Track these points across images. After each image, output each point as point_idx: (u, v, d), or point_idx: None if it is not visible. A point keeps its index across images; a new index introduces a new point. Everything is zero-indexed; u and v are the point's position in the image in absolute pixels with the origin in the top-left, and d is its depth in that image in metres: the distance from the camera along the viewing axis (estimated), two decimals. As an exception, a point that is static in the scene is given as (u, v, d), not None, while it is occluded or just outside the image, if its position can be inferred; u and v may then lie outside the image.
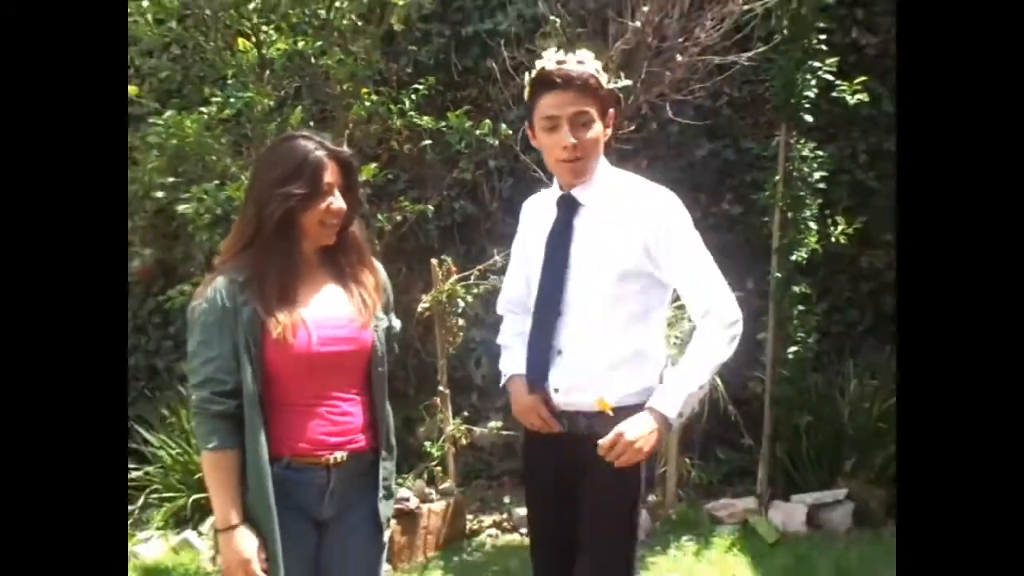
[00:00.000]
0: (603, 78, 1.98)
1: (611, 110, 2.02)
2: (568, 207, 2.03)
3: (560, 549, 2.11)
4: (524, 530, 4.02)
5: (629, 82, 3.55)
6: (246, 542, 1.87)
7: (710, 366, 1.94)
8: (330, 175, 1.91)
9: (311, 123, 3.57)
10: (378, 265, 2.12)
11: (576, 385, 1.99)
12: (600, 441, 1.86)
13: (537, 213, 2.14)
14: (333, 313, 1.96)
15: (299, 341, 1.88)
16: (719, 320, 1.94)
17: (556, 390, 2.01)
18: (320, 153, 1.90)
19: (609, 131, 2.02)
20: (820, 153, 4.02)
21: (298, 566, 1.99)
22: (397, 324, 2.18)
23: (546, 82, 1.93)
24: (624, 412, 1.93)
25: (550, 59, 1.95)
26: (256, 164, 1.97)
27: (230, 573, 1.89)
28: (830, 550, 3.80)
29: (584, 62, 1.95)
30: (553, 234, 2.04)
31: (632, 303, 1.98)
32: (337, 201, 1.92)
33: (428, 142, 3.92)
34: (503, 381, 2.17)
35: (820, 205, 4.06)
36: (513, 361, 2.14)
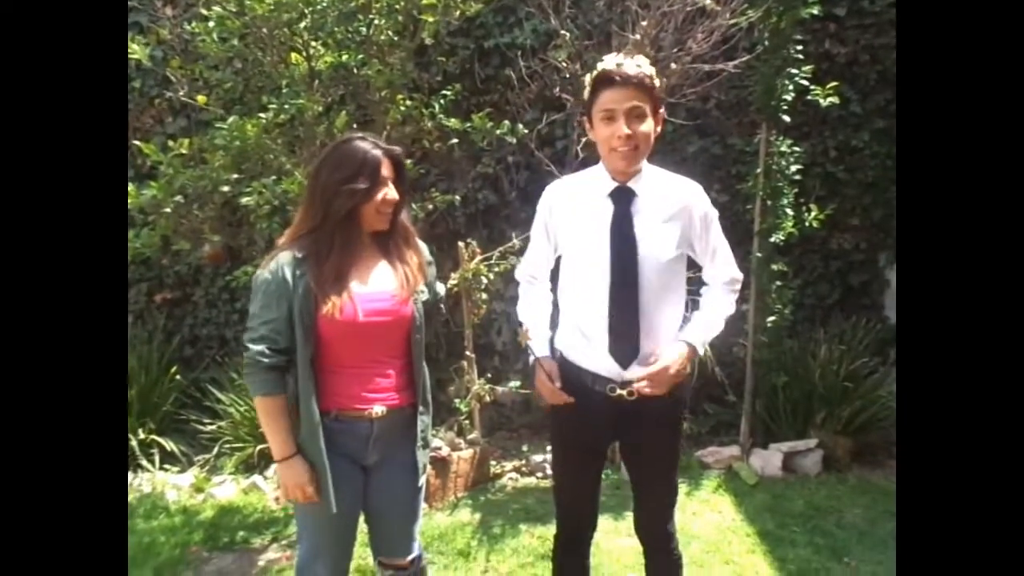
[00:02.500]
0: (656, 79, 1.94)
1: (661, 109, 1.98)
2: (625, 198, 1.98)
3: (592, 495, 2.21)
4: (540, 473, 4.04)
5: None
6: (301, 468, 1.92)
7: (725, 319, 2.11)
8: (385, 170, 1.94)
9: (354, 126, 3.54)
10: (423, 245, 2.13)
11: (647, 359, 1.99)
12: (645, 372, 1.93)
13: (577, 201, 2.04)
14: (379, 289, 1.97)
15: (347, 314, 1.90)
16: (735, 288, 2.14)
17: (650, 358, 1.99)
18: (377, 152, 1.94)
19: (659, 128, 1.97)
20: (796, 149, 3.99)
21: (348, 501, 2.02)
22: (441, 290, 2.23)
23: (606, 80, 1.89)
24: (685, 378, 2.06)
25: (610, 61, 1.91)
26: (321, 163, 1.97)
27: (288, 494, 1.94)
28: (802, 490, 3.80)
29: (641, 65, 1.91)
30: (616, 224, 1.97)
31: (678, 280, 2.05)
32: (392, 192, 1.95)
33: (455, 141, 3.90)
34: (531, 359, 2.11)
35: (796, 194, 4.04)
36: (539, 343, 2.11)
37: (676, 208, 1.99)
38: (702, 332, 2.06)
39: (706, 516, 3.54)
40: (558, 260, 2.13)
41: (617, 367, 1.99)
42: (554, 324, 2.15)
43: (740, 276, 2.14)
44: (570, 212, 2.05)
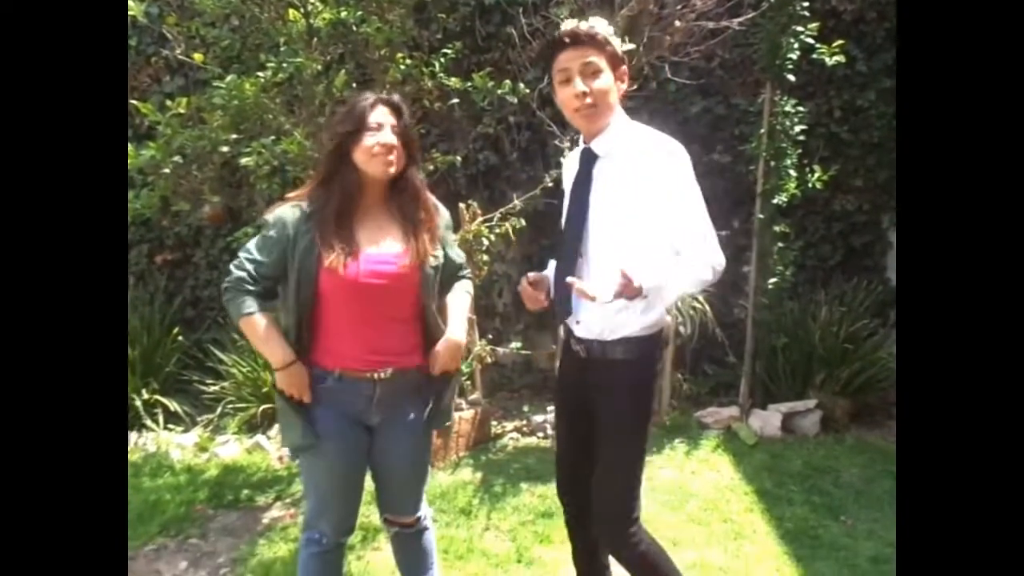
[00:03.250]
0: (611, 35, 1.91)
1: (622, 66, 1.94)
2: (588, 159, 1.97)
3: (574, 458, 2.16)
4: (541, 434, 4.08)
5: (632, 46, 3.45)
6: (301, 372, 1.94)
7: (676, 288, 1.87)
8: (379, 115, 1.94)
9: (353, 85, 3.51)
10: (442, 209, 2.12)
11: (594, 320, 1.96)
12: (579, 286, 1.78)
13: (569, 167, 2.09)
14: (385, 249, 1.96)
15: (349, 271, 1.89)
16: (691, 262, 1.84)
17: (577, 322, 2.00)
18: (368, 99, 1.95)
19: (623, 85, 1.94)
20: (800, 109, 3.95)
21: (352, 459, 2.04)
22: (459, 257, 2.19)
23: (559, 43, 1.90)
24: (636, 342, 1.95)
25: (564, 27, 1.91)
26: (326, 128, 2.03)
27: (294, 393, 1.96)
28: (801, 450, 3.84)
29: (594, 25, 1.90)
30: (576, 184, 1.99)
31: (640, 245, 1.87)
32: (385, 136, 1.93)
33: (456, 101, 3.85)
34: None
35: (799, 155, 4.02)
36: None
37: (635, 169, 1.86)
38: (654, 278, 1.77)
39: (705, 475, 3.58)
40: None
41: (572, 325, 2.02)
42: None
43: (703, 257, 1.85)
44: (566, 181, 2.08)
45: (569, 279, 1.76)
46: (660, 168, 1.84)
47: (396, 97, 2.00)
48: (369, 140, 1.91)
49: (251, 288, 1.94)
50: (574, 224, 1.96)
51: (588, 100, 1.87)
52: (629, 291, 1.72)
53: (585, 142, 1.98)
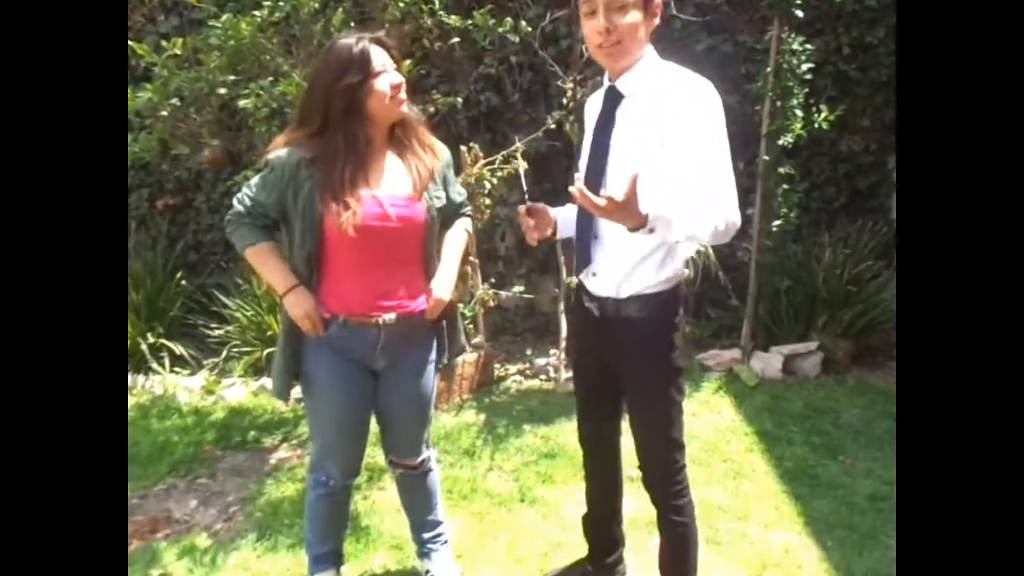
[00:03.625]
0: None
1: (655, 0, 1.77)
2: (612, 98, 1.86)
3: (597, 423, 2.17)
4: (543, 376, 4.11)
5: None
6: (305, 297, 1.94)
7: (685, 228, 1.70)
8: (379, 57, 1.88)
9: (351, 24, 3.43)
10: (441, 147, 2.09)
11: (611, 272, 1.88)
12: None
13: (591, 107, 1.98)
14: (392, 191, 1.94)
15: (357, 220, 1.87)
16: (723, 223, 1.74)
17: (594, 274, 1.92)
18: (363, 42, 1.88)
19: (656, 20, 1.80)
20: (808, 46, 3.86)
21: (357, 403, 2.07)
22: (460, 196, 2.16)
23: None
24: (651, 299, 1.88)
25: None
26: (313, 71, 1.93)
27: (303, 325, 1.96)
28: (801, 392, 3.87)
29: None
30: (598, 124, 1.88)
31: (661, 192, 1.73)
32: (395, 76, 1.90)
33: (456, 40, 3.77)
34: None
35: (806, 94, 3.94)
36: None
37: (660, 110, 1.76)
38: (664, 218, 1.67)
39: (706, 417, 3.62)
40: None
41: (587, 278, 1.95)
42: None
43: (736, 219, 1.76)
44: (588, 122, 1.96)
45: (574, 188, 1.60)
46: (688, 106, 1.73)
47: (382, 34, 1.95)
48: (382, 85, 1.87)
49: (253, 221, 1.97)
50: (594, 167, 1.85)
51: (613, 37, 1.74)
52: (634, 215, 1.61)
53: (610, 80, 1.86)
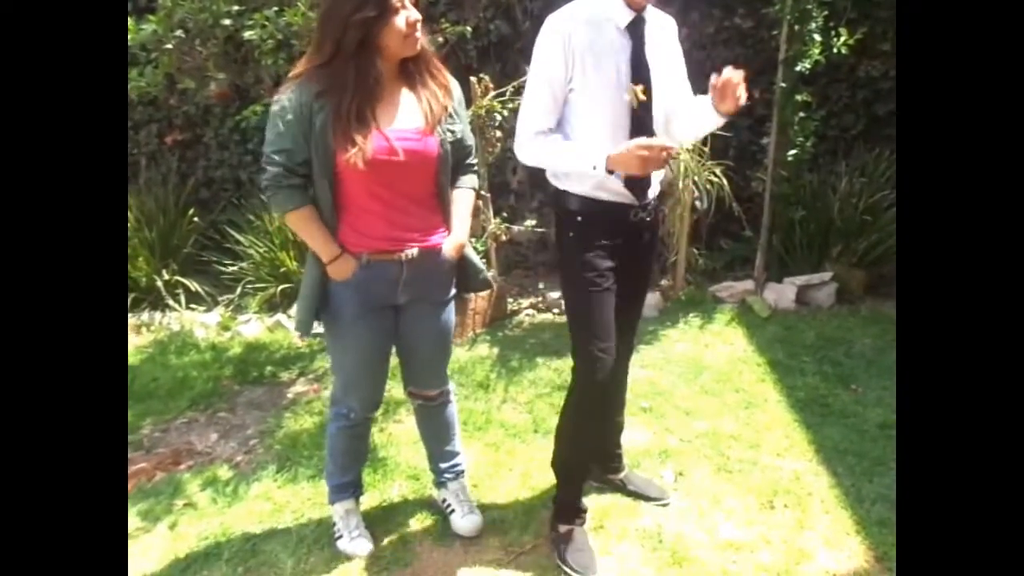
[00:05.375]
0: None
1: None
2: (639, 29, 1.96)
3: (615, 328, 2.14)
4: (556, 310, 4.12)
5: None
6: (350, 263, 1.97)
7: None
8: None
9: (357, -49, 3.32)
10: (454, 83, 2.04)
11: (654, 184, 2.11)
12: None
13: (594, 34, 1.92)
14: (403, 125, 1.91)
15: (369, 154, 1.84)
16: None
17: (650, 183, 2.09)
18: None
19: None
20: (829, -34, 3.71)
21: (378, 339, 2.08)
22: (469, 138, 2.13)
23: None
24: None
25: None
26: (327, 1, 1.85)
27: (339, 277, 1.99)
28: (814, 322, 3.87)
29: None
30: (636, 61, 1.95)
31: (673, 106, 2.08)
32: (413, 13, 1.84)
33: (465, -34, 3.65)
34: (600, 167, 1.89)
35: (825, 17, 3.80)
36: (592, 148, 1.92)
37: (671, 38, 2.08)
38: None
39: (718, 348, 3.63)
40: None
41: (632, 197, 2.05)
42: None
43: None
44: (588, 44, 1.91)
45: (726, 75, 1.88)
46: (674, 28, 2.11)
47: None
48: (399, 21, 1.81)
49: (290, 181, 1.90)
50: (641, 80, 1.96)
51: None
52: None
53: (633, 9, 1.94)
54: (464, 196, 2.13)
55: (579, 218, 2.04)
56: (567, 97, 1.96)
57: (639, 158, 1.83)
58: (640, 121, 1.96)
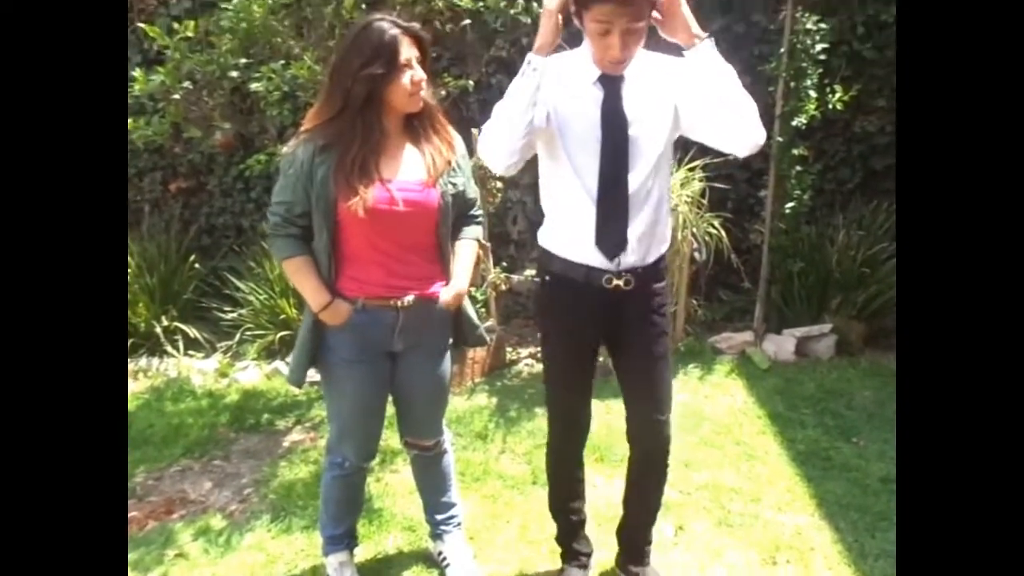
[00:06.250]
0: None
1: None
2: (614, 82, 1.85)
3: (582, 404, 2.15)
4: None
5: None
6: (342, 310, 1.98)
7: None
8: (407, 50, 1.87)
9: (363, 6, 3.40)
10: (457, 137, 2.09)
11: (642, 235, 1.93)
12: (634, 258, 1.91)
13: (565, 81, 1.87)
14: (406, 176, 1.95)
15: (370, 204, 1.88)
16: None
17: (624, 251, 1.92)
18: (394, 32, 1.87)
19: (655, 13, 1.77)
20: (822, 26, 3.81)
21: (373, 386, 2.08)
22: (473, 193, 2.15)
23: None
24: (663, 259, 2.02)
25: None
26: (339, 50, 1.93)
27: (332, 323, 1.99)
28: (814, 374, 3.85)
29: None
30: (608, 104, 1.84)
31: (666, 170, 1.97)
32: (418, 73, 1.89)
33: (468, 22, 3.74)
34: (535, 60, 1.84)
35: (820, 75, 3.89)
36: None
37: (665, 85, 1.87)
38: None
39: (718, 399, 3.61)
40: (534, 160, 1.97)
41: (605, 259, 1.92)
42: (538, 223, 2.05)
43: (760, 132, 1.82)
44: (560, 89, 1.86)
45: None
46: (679, 76, 1.86)
47: (418, 27, 1.93)
48: (404, 80, 1.86)
49: (289, 231, 1.97)
50: (615, 140, 1.85)
51: (626, 61, 1.80)
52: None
53: (603, 69, 1.84)
54: (466, 247, 2.14)
55: (547, 277, 2.02)
56: (538, 156, 1.93)
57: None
58: (610, 177, 1.86)
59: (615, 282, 1.93)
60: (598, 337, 2.09)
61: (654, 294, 2.00)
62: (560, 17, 1.80)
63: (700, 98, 1.82)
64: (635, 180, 1.88)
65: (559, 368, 2.12)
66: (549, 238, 2.01)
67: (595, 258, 1.93)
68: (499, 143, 1.82)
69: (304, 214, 1.94)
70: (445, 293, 2.06)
